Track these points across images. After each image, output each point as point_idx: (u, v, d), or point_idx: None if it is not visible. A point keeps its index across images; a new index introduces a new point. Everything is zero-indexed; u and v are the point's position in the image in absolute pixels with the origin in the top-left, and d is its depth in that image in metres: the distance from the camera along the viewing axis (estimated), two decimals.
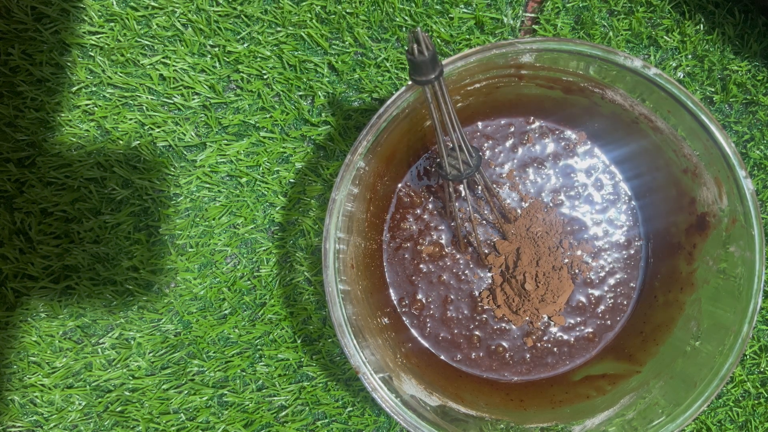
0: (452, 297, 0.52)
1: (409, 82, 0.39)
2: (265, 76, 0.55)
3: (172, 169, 0.55)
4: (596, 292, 0.52)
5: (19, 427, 0.55)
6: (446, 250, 0.52)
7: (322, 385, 0.55)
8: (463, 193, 0.52)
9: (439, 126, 0.40)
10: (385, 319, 0.50)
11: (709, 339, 0.43)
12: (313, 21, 0.55)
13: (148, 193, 0.55)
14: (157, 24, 0.55)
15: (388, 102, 0.40)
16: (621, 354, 0.50)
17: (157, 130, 0.55)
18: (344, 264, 0.43)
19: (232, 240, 0.55)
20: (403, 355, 0.48)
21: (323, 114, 0.55)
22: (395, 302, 0.52)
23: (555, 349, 0.52)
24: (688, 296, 0.46)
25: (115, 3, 0.55)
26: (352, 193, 0.42)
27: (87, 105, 0.55)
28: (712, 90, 0.55)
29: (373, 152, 0.42)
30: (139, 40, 0.55)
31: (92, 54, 0.55)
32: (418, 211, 0.53)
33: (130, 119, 0.55)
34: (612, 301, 0.52)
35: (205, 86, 0.55)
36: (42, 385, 0.55)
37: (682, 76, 0.55)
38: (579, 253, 0.51)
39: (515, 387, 0.51)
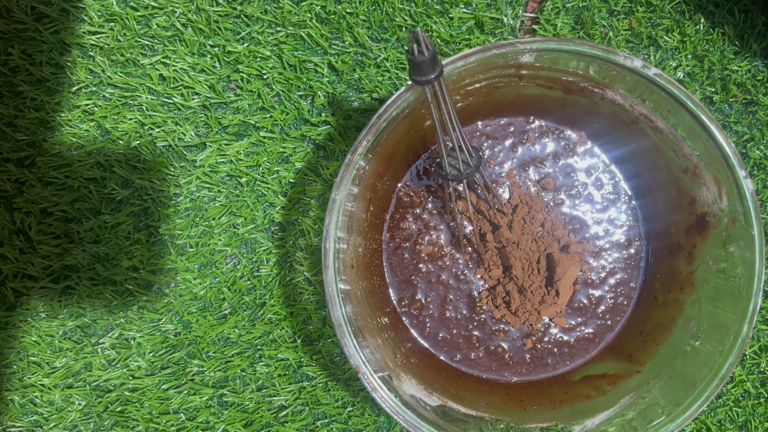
0: (451, 297, 0.52)
1: (409, 82, 0.39)
2: (265, 76, 0.55)
3: (172, 169, 0.55)
4: (597, 293, 0.52)
5: (19, 427, 0.55)
6: (445, 249, 0.52)
7: (322, 385, 0.55)
8: (462, 193, 0.52)
9: (439, 126, 0.40)
10: (385, 319, 0.50)
11: (709, 339, 0.43)
12: (313, 21, 0.55)
13: (148, 193, 0.55)
14: (156, 24, 0.55)
15: (388, 102, 0.40)
16: (621, 354, 0.50)
17: (157, 130, 0.55)
18: (344, 264, 0.43)
19: (232, 240, 0.55)
20: (402, 354, 0.48)
21: (323, 114, 0.55)
22: (395, 302, 0.52)
23: (555, 349, 0.52)
24: (688, 296, 0.46)
25: (114, 3, 0.55)
26: (352, 193, 0.42)
27: (87, 105, 0.55)
28: (712, 90, 0.55)
29: (373, 152, 0.42)
30: (139, 40, 0.55)
31: (92, 54, 0.55)
32: (418, 210, 0.53)
33: (130, 119, 0.55)
34: (612, 301, 0.52)
35: (205, 86, 0.55)
36: (42, 385, 0.55)
37: (682, 76, 0.55)
38: (580, 252, 0.51)
39: (515, 387, 0.51)
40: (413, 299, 0.52)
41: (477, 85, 0.46)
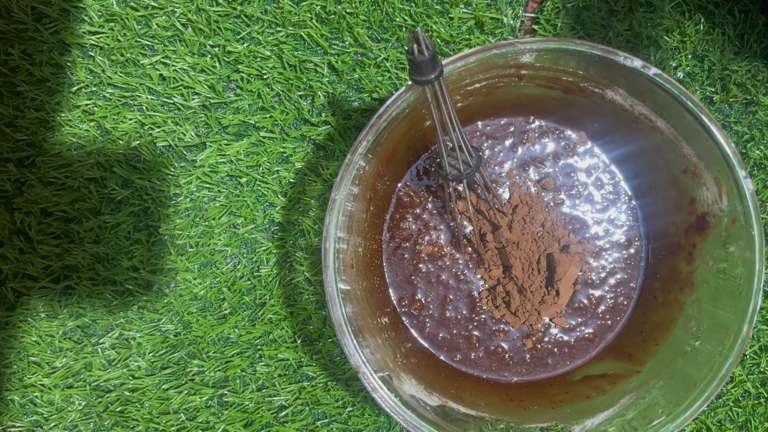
0: (451, 297, 0.52)
1: (409, 82, 0.39)
2: (265, 76, 0.55)
3: (172, 169, 0.55)
4: (597, 293, 0.52)
5: (19, 427, 0.55)
6: (445, 249, 0.52)
7: (322, 385, 0.55)
8: (462, 193, 0.52)
9: (439, 126, 0.40)
10: (385, 319, 0.50)
11: (709, 339, 0.43)
12: (313, 21, 0.55)
13: (148, 193, 0.55)
14: (157, 24, 0.55)
15: (388, 102, 0.40)
16: (621, 354, 0.50)
17: (157, 130, 0.55)
18: (344, 264, 0.43)
19: (232, 240, 0.55)
20: (402, 354, 0.48)
21: (323, 114, 0.55)
22: (395, 302, 0.52)
23: (555, 349, 0.52)
24: (688, 296, 0.47)
25: (115, 3, 0.55)
26: (352, 193, 0.42)
27: (87, 105, 0.55)
28: (712, 90, 0.55)
29: (373, 152, 0.42)
30: (139, 40, 0.55)
31: (92, 54, 0.55)
32: (418, 210, 0.53)
33: (130, 119, 0.55)
34: (612, 301, 0.52)
35: (205, 86, 0.55)
36: (42, 385, 0.55)
37: (682, 76, 0.55)
38: (580, 252, 0.51)
39: (515, 387, 0.51)
40: (413, 299, 0.52)
41: (477, 85, 0.46)
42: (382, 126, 0.41)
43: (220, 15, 0.55)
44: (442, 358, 0.52)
